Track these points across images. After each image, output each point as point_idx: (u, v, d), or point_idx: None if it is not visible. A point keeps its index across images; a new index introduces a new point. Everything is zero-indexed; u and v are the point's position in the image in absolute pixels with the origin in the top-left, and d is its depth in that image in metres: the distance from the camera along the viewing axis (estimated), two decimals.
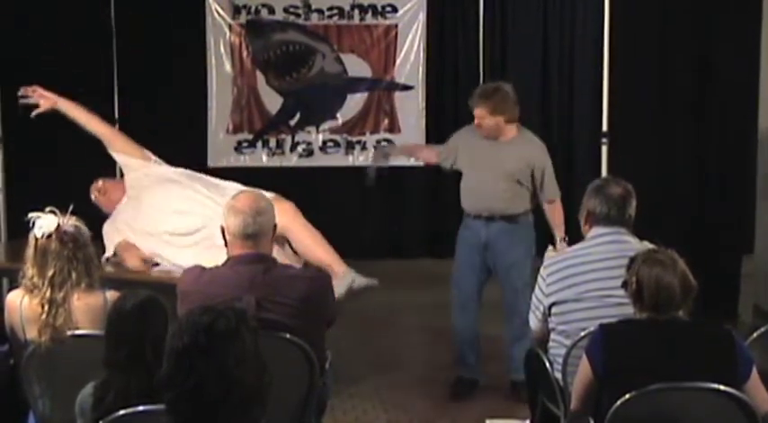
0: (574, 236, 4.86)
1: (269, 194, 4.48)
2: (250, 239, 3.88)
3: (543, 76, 9.05)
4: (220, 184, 5.70)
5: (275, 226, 3.98)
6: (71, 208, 4.13)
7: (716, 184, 7.33)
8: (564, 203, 5.98)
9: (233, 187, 5.41)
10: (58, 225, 4.00)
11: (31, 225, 4.06)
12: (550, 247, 5.51)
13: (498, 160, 5.81)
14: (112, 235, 5.64)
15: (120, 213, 5.76)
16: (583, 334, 4.00)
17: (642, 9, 7.37)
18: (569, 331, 4.15)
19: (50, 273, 3.95)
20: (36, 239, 4.00)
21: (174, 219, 5.51)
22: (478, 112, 5.77)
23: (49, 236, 3.98)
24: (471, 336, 6.04)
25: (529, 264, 5.81)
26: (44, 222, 4.01)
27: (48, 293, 3.93)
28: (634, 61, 7.32)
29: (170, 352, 2.51)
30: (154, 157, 5.96)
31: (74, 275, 3.97)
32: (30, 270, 4.01)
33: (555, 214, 5.87)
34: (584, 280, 4.17)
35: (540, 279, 4.33)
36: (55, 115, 8.23)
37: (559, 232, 5.79)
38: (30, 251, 4.02)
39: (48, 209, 4.07)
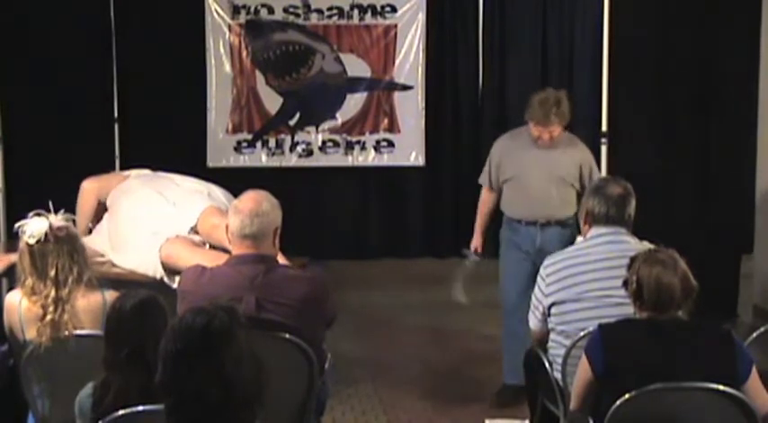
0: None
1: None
2: (248, 239, 3.89)
3: (542, 75, 9.04)
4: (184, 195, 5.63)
5: (277, 228, 3.98)
6: (51, 206, 4.10)
7: (715, 183, 7.32)
8: None
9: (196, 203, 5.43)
10: (50, 225, 3.98)
11: (21, 233, 4.03)
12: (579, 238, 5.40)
13: (551, 165, 5.71)
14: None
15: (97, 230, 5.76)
16: (582, 334, 4.00)
17: (641, 9, 7.36)
18: (569, 331, 4.15)
19: (53, 272, 3.94)
20: (30, 246, 3.98)
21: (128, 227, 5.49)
22: (553, 128, 5.64)
23: (44, 238, 3.96)
24: (517, 342, 5.69)
25: None
26: (34, 227, 3.97)
27: (53, 293, 3.92)
28: (633, 61, 7.31)
29: (166, 356, 2.50)
30: (134, 172, 5.93)
31: (75, 270, 3.96)
32: (28, 279, 3.98)
33: None
34: (584, 280, 4.17)
35: (539, 279, 4.33)
36: (54, 116, 8.27)
37: None
38: (26, 259, 3.98)
39: (32, 213, 4.05)
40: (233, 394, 2.46)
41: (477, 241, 6.09)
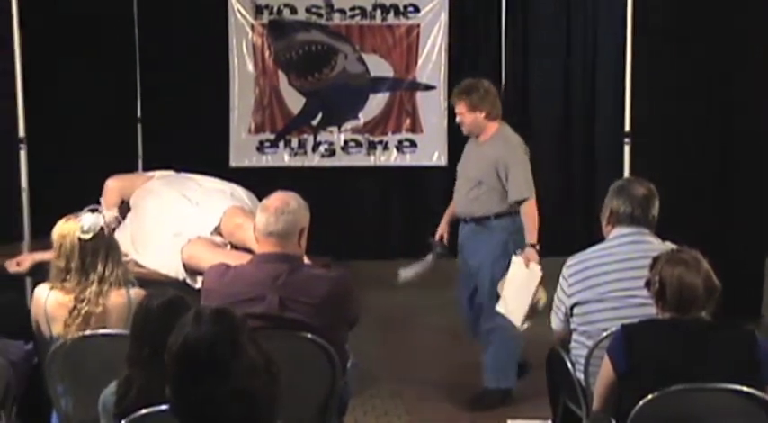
0: (596, 237, 4.81)
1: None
2: (273, 237, 3.91)
3: (565, 75, 9.02)
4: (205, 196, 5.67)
5: (304, 228, 3.99)
6: (92, 206, 4.16)
7: (738, 184, 7.28)
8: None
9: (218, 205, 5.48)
10: (105, 221, 4.05)
11: (78, 228, 4.05)
12: (514, 256, 5.46)
13: (472, 162, 5.85)
14: None
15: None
16: (605, 334, 3.99)
17: (664, 8, 7.33)
18: (591, 332, 4.14)
19: (101, 267, 4.00)
20: (83, 241, 4.02)
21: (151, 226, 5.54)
22: (458, 108, 5.79)
23: (96, 234, 4.01)
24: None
25: (493, 268, 5.63)
26: (90, 222, 4.03)
27: (94, 287, 3.99)
28: (656, 61, 7.28)
29: (178, 381, 2.45)
30: (158, 173, 5.98)
31: (119, 267, 4.04)
32: (74, 276, 4.02)
33: (524, 217, 5.60)
34: (607, 280, 4.16)
35: (561, 279, 4.32)
36: (77, 116, 8.30)
37: (529, 238, 5.52)
38: (75, 253, 4.02)
39: (87, 208, 4.09)
40: (250, 403, 2.42)
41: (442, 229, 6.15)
